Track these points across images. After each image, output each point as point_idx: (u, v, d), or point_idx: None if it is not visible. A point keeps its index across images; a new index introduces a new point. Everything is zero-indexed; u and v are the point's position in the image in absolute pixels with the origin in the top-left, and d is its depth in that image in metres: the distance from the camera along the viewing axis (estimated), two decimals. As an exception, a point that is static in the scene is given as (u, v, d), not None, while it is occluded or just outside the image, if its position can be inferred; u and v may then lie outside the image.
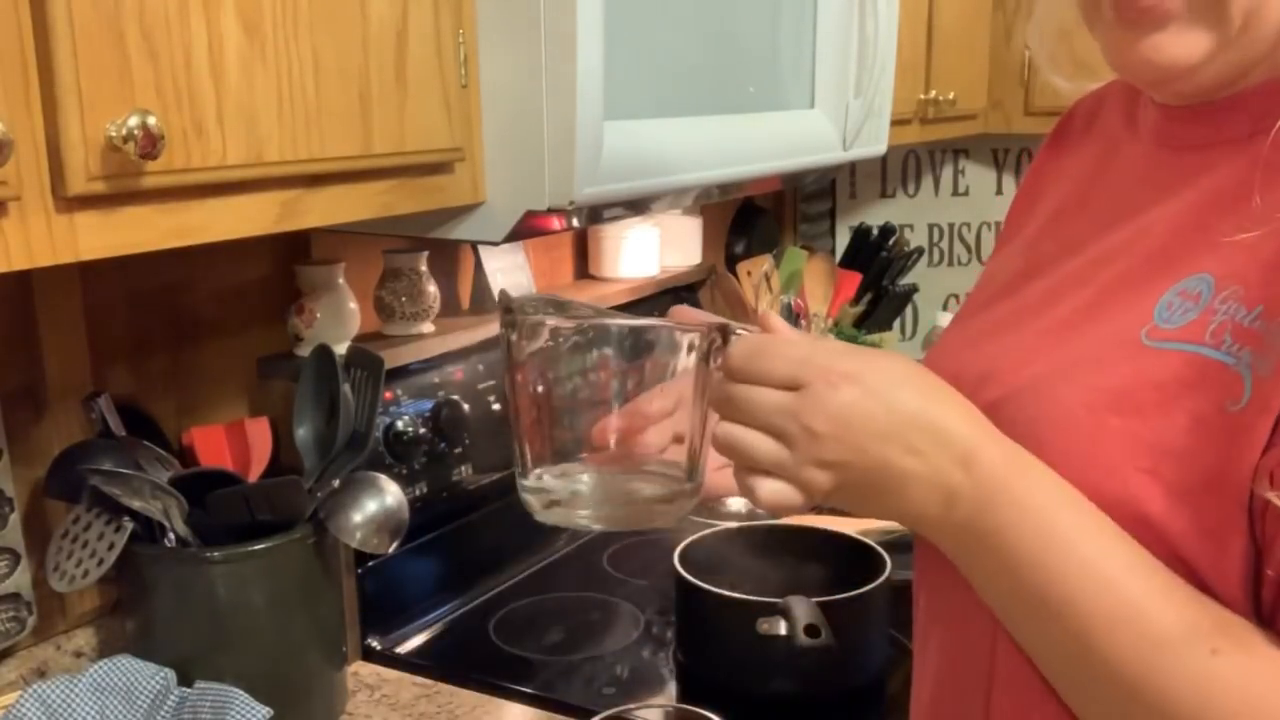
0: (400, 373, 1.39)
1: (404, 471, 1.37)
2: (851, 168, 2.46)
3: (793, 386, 0.61)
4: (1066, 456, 0.62)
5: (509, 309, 0.69)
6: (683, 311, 0.78)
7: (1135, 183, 0.71)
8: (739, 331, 0.66)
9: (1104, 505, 0.60)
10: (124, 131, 0.72)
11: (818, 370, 0.61)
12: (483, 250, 1.56)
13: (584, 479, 0.70)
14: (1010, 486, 0.60)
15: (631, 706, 1.06)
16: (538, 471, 0.70)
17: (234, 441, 1.24)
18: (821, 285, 2.09)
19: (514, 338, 0.69)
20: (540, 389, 0.69)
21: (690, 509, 0.73)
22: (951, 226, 2.58)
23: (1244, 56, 0.63)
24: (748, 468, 0.63)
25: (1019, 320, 0.72)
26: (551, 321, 0.69)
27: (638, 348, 0.69)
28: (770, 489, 0.62)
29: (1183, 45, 0.63)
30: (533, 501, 0.70)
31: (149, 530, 1.11)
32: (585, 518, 0.71)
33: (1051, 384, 0.65)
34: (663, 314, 1.97)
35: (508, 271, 1.60)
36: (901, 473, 0.60)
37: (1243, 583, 0.57)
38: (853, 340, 2.17)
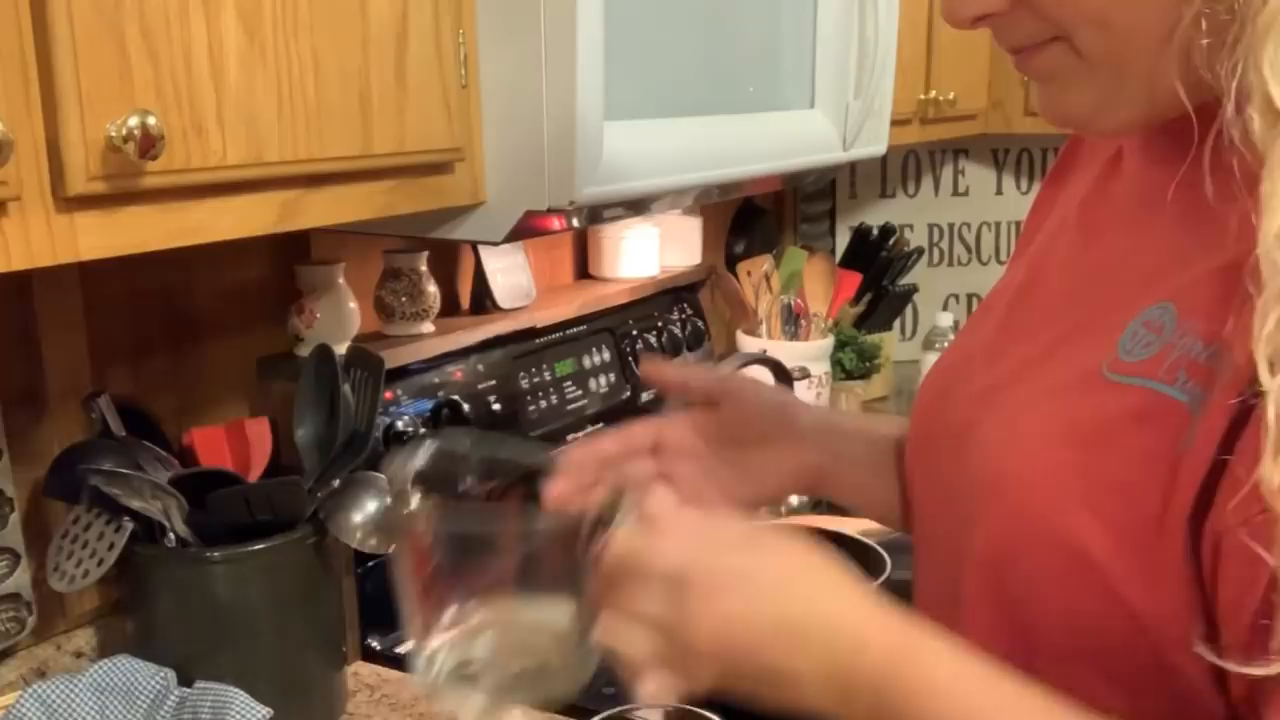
0: (400, 373, 1.39)
1: (404, 471, 1.37)
2: (851, 168, 2.45)
3: (672, 592, 0.59)
4: (1019, 488, 0.60)
5: (396, 483, 0.67)
6: (584, 459, 0.74)
7: (1129, 198, 0.69)
8: (618, 519, 0.63)
9: (1048, 542, 0.58)
10: (124, 132, 0.71)
11: (697, 579, 0.58)
12: (483, 250, 1.56)
13: (480, 646, 0.66)
14: (905, 673, 0.57)
15: (632, 706, 1.06)
16: (430, 645, 0.66)
17: (234, 441, 1.24)
18: (821, 285, 2.09)
19: (398, 509, 0.67)
20: (428, 558, 0.66)
21: (590, 674, 0.68)
22: (951, 226, 2.58)
23: (1149, 96, 0.59)
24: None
25: (1008, 341, 0.71)
26: (428, 502, 0.67)
27: (522, 526, 0.67)
28: (653, 688, 0.60)
29: (1073, 97, 0.62)
30: (427, 678, 0.66)
31: (149, 530, 1.11)
32: (485, 689, 0.67)
33: (1016, 413, 0.64)
34: (664, 315, 1.95)
35: (508, 271, 1.60)
36: (792, 673, 0.58)
37: (1184, 635, 0.54)
38: (852, 340, 2.17)
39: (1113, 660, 0.58)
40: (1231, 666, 0.52)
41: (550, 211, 1.04)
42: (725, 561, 0.60)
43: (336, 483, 1.17)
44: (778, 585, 0.59)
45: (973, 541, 0.65)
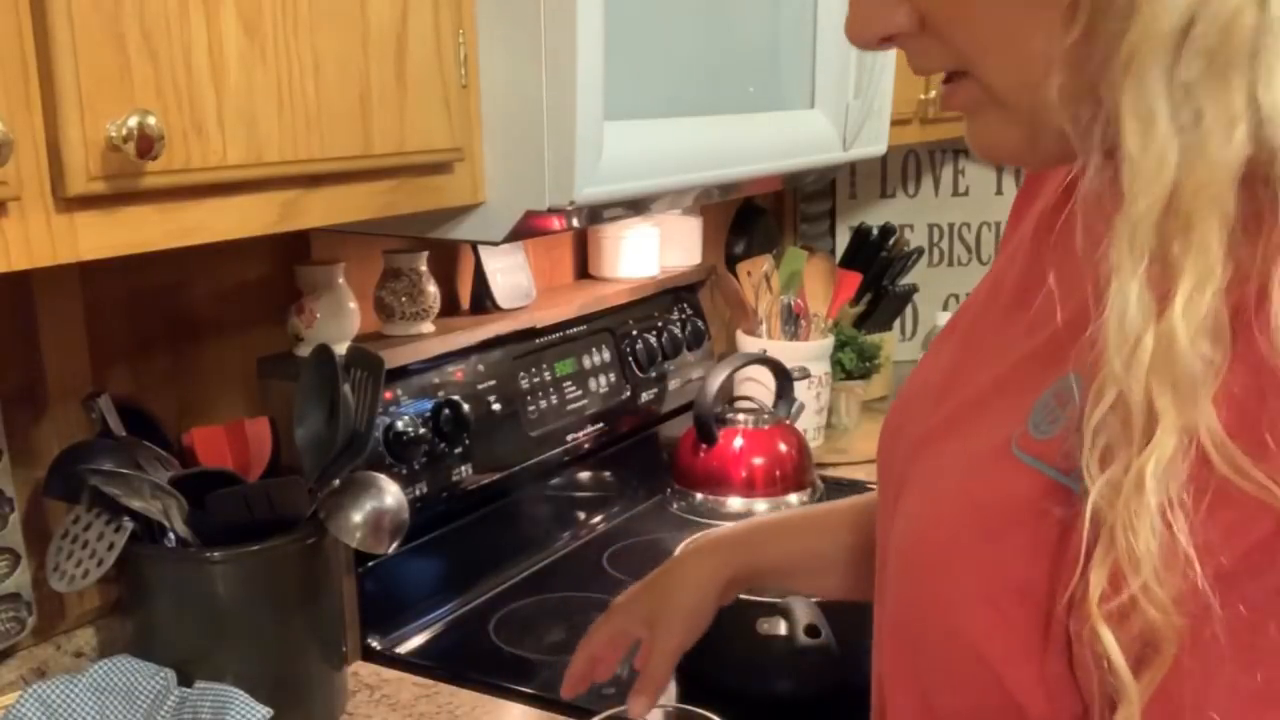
0: (400, 373, 1.39)
1: (404, 471, 1.37)
2: (851, 168, 2.45)
3: None
4: (926, 571, 0.59)
5: None
6: None
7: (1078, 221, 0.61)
8: None
9: (948, 635, 0.56)
10: (124, 132, 0.71)
11: None
12: (483, 250, 1.56)
13: None
14: None
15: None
16: None
17: (234, 441, 1.24)
18: (821, 285, 2.08)
19: None
20: None
21: None
22: (951, 226, 2.58)
23: (1041, 137, 0.53)
24: None
25: (958, 374, 0.66)
26: None
27: None
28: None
29: (997, 134, 0.56)
30: None
31: (149, 530, 1.11)
32: None
33: (938, 477, 0.61)
34: (664, 315, 1.95)
35: (508, 271, 1.60)
36: None
37: None
38: (852, 340, 2.16)
39: None
40: None
41: (550, 211, 1.04)
42: None
43: (336, 483, 1.17)
44: None
45: (888, 612, 0.64)
